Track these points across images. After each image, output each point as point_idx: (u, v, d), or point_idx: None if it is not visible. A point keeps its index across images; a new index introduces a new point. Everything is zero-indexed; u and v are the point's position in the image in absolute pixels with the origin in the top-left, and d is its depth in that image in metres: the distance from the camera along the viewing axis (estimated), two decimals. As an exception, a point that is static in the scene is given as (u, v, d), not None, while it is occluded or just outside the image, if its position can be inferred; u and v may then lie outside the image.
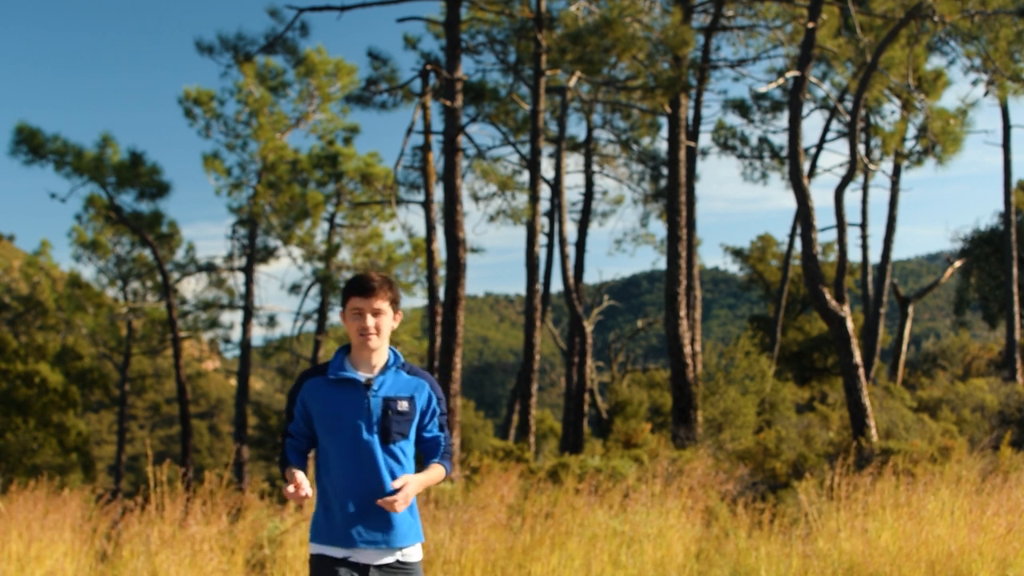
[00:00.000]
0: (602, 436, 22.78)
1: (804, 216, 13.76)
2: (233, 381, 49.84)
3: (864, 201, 25.27)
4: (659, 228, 31.87)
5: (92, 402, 34.21)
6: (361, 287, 3.31)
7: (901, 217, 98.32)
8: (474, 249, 23.72)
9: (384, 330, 3.32)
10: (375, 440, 3.25)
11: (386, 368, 3.36)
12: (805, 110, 19.05)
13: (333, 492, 3.25)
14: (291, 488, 3.20)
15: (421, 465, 3.42)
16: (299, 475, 3.22)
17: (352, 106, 20.03)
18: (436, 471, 3.41)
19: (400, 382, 3.37)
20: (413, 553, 3.35)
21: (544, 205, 22.82)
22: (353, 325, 3.30)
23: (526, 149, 21.50)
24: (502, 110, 22.14)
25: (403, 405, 3.30)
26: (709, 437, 16.10)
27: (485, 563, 5.47)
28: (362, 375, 3.32)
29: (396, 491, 3.23)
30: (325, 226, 25.20)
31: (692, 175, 20.54)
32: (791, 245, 25.57)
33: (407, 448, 3.33)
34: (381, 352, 3.36)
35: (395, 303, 3.37)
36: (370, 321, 3.29)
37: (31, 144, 21.68)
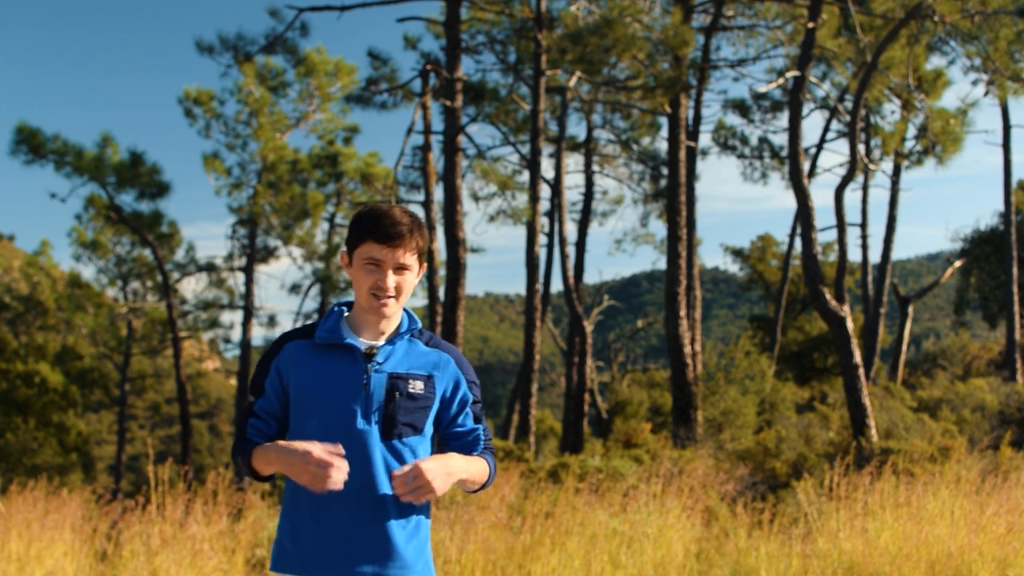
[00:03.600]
0: (602, 436, 22.79)
1: (804, 216, 13.76)
2: (233, 381, 49.85)
3: (864, 201, 25.30)
4: (659, 228, 31.93)
5: (92, 402, 34.22)
6: (384, 231, 2.35)
7: (901, 217, 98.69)
8: (474, 249, 23.77)
9: (406, 292, 2.43)
10: (372, 432, 2.37)
11: (397, 335, 2.47)
12: (805, 110, 19.05)
13: (309, 502, 2.36)
14: (313, 460, 2.20)
15: None
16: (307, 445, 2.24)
17: (352, 106, 20.10)
18: (478, 462, 2.49)
19: (415, 355, 2.47)
20: None
21: (544, 205, 22.85)
22: (365, 280, 2.39)
23: (526, 149, 21.51)
24: (502, 110, 22.15)
25: (416, 386, 2.42)
26: (709, 437, 16.11)
27: (485, 563, 5.47)
28: (363, 341, 2.44)
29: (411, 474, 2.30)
30: (325, 226, 25.25)
31: (692, 175, 20.55)
32: (791, 245, 25.58)
33: (418, 447, 2.44)
34: (394, 317, 2.49)
35: (422, 255, 2.45)
36: (391, 280, 2.38)
37: (31, 144, 21.69)
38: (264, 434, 2.45)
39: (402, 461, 2.39)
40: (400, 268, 2.39)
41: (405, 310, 2.52)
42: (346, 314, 2.52)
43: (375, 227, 2.35)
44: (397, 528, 2.39)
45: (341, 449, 2.25)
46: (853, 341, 13.23)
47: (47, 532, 6.37)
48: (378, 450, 2.37)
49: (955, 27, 14.80)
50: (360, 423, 2.36)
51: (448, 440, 2.54)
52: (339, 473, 2.21)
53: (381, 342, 2.45)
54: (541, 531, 5.71)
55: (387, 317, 2.43)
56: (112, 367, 31.86)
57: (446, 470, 2.34)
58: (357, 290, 2.42)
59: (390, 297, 2.39)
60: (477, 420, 2.56)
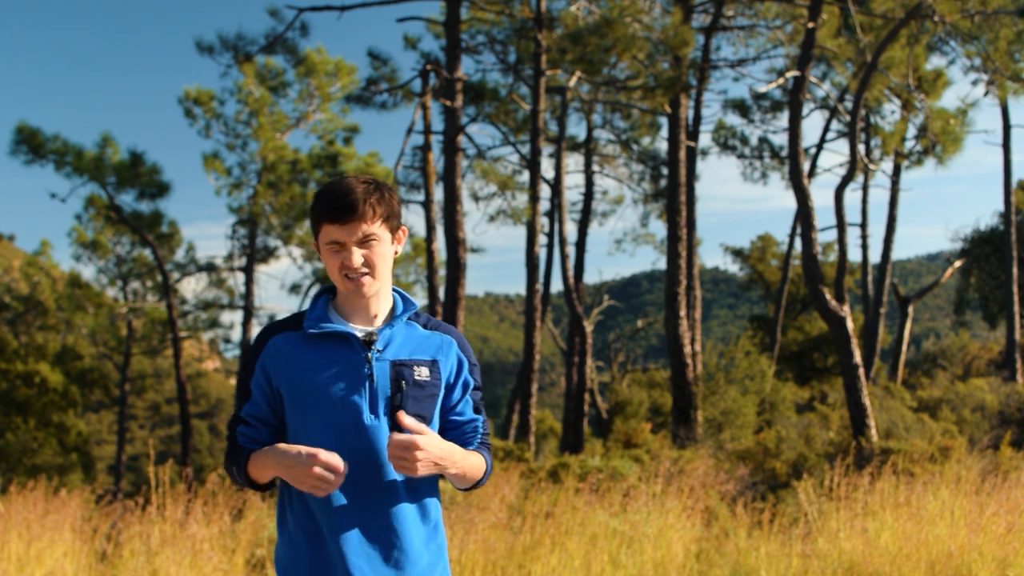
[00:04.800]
0: (602, 436, 22.79)
1: (804, 216, 13.76)
2: (233, 381, 49.83)
3: (864, 201, 25.31)
4: (659, 228, 31.96)
5: (92, 402, 34.23)
6: (335, 208, 2.12)
7: (901, 217, 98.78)
8: (474, 249, 23.77)
9: (381, 265, 2.19)
10: (382, 427, 2.15)
11: (393, 318, 2.26)
12: (805, 110, 19.05)
13: (320, 509, 2.15)
14: (320, 462, 2.03)
15: None
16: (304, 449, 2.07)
17: (352, 106, 20.10)
18: (475, 457, 2.28)
19: (416, 339, 2.26)
20: None
21: (544, 205, 22.86)
22: (333, 264, 2.17)
23: (526, 149, 21.51)
24: (502, 110, 22.15)
25: (422, 373, 2.21)
26: (709, 437, 16.11)
27: (485, 563, 5.47)
28: (358, 328, 2.22)
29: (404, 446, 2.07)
30: (325, 226, 25.20)
31: (692, 175, 20.55)
32: (791, 245, 25.59)
33: None
34: (383, 296, 2.26)
35: (391, 220, 2.21)
36: (357, 257, 2.15)
37: (31, 144, 21.67)
38: (256, 441, 2.22)
39: None
40: (365, 241, 2.15)
41: (397, 291, 2.32)
42: (332, 299, 2.30)
43: (326, 206, 2.13)
44: (415, 531, 2.20)
45: (341, 461, 2.08)
46: (853, 341, 13.23)
47: (47, 532, 6.37)
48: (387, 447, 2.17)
49: (955, 27, 14.80)
50: (367, 418, 2.15)
51: (444, 431, 2.30)
52: (341, 480, 2.06)
53: (377, 327, 2.24)
54: (541, 531, 5.71)
55: (367, 296, 2.20)
56: (112, 367, 31.86)
57: (440, 457, 2.11)
58: (330, 276, 2.20)
59: (363, 274, 2.17)
60: (477, 410, 2.35)
